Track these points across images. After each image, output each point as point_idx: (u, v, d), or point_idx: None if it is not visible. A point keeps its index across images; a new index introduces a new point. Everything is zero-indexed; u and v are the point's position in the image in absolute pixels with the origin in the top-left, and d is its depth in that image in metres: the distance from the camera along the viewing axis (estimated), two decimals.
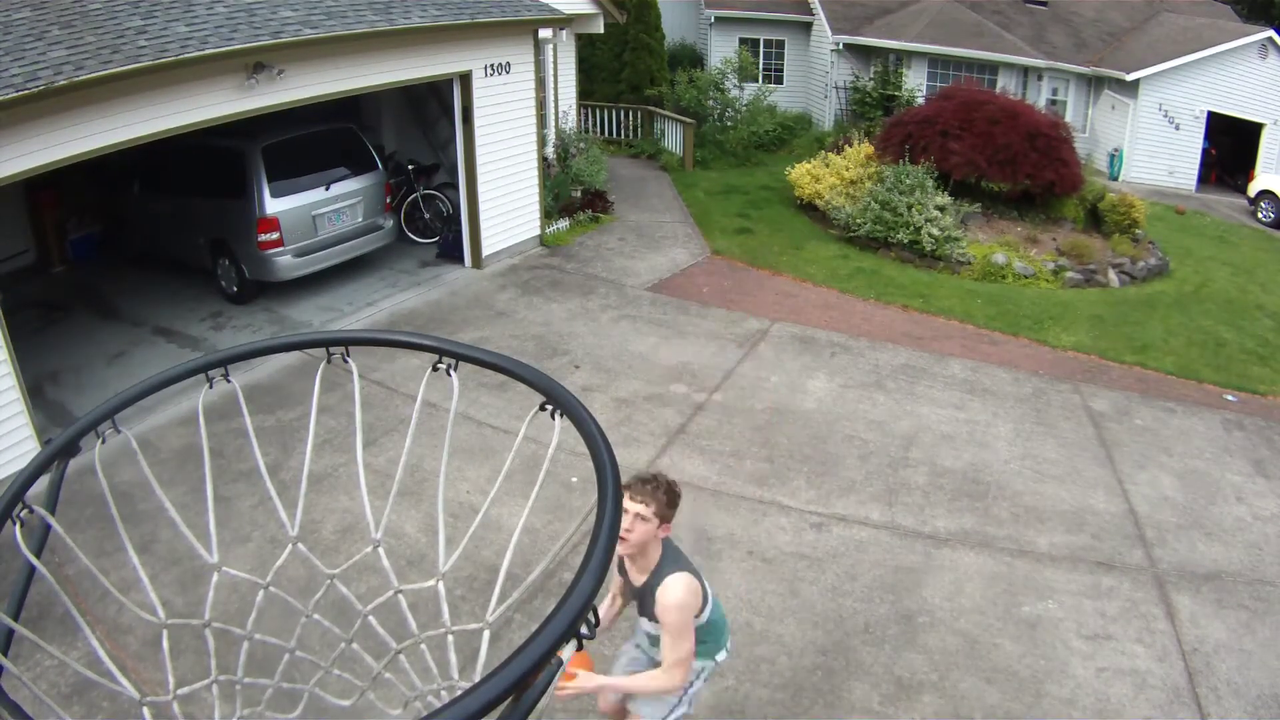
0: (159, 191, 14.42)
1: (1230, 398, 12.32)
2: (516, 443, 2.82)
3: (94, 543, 7.18)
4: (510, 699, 1.66)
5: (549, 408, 2.62)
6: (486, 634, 2.41)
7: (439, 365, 2.93)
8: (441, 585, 2.89)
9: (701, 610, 4.70)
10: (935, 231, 16.84)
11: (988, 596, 7.99)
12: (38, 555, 2.77)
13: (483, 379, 10.53)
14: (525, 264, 16.03)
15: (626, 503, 4.32)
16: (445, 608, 2.70)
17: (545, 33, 16.18)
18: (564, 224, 17.86)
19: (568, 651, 1.76)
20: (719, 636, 5.04)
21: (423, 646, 3.18)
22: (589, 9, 19.57)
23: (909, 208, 17.13)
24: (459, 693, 1.66)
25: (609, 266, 16.04)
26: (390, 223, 15.33)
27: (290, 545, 3.13)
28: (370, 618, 3.19)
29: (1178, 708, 6.86)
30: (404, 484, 8.52)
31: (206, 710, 2.93)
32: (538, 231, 16.85)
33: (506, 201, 15.90)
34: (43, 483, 2.88)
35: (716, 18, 30.82)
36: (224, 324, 13.32)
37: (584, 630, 1.81)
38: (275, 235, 13.13)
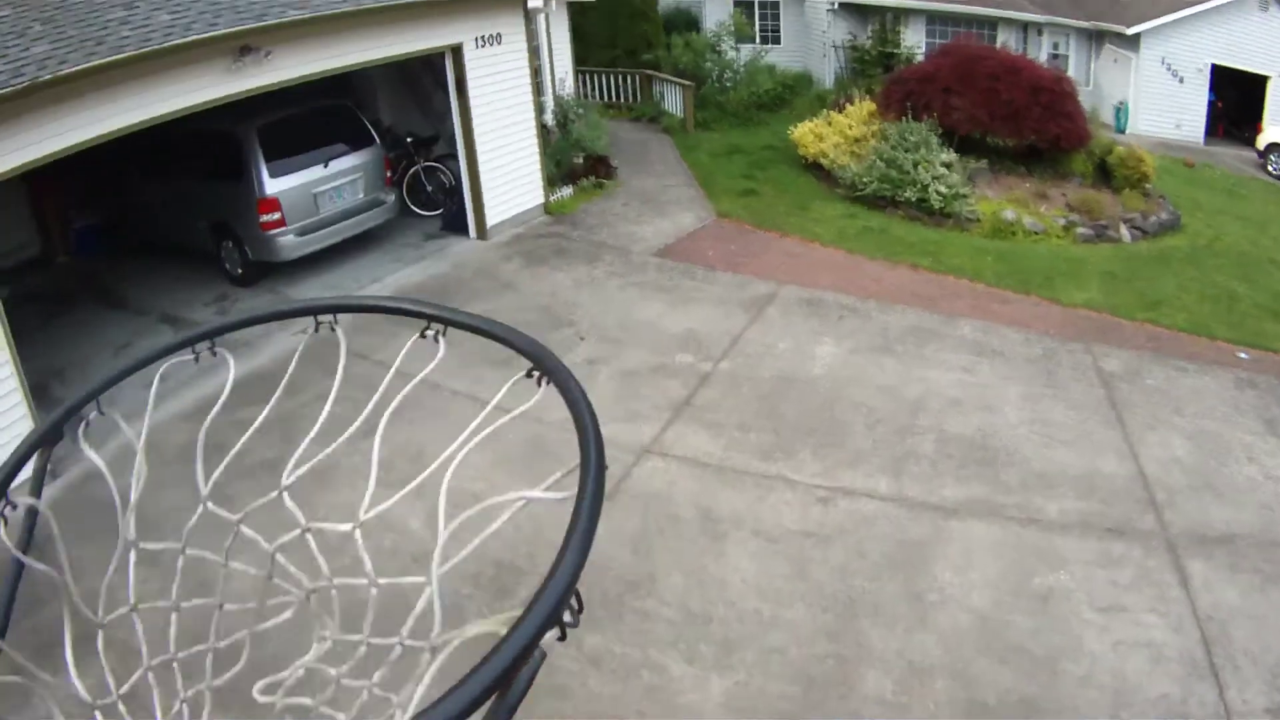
0: (158, 178, 14.40)
1: (1243, 355, 12.17)
2: (486, 411, 2.73)
3: (96, 556, 7.09)
4: (495, 696, 1.58)
5: (535, 374, 2.50)
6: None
7: (426, 333, 2.80)
8: (434, 588, 2.80)
9: None
10: (943, 189, 16.69)
11: (998, 570, 7.90)
12: (24, 550, 2.71)
13: (488, 355, 10.39)
14: (530, 233, 15.93)
15: None
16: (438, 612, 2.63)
17: (535, 2, 16.09)
18: (568, 191, 17.73)
19: (551, 640, 1.67)
20: None
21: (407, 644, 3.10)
22: None
23: (915, 165, 16.98)
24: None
25: (614, 233, 15.93)
26: (392, 197, 15.31)
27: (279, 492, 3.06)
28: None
29: (1195, 681, 6.77)
30: (403, 473, 8.41)
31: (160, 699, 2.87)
32: (541, 200, 16.77)
33: (507, 171, 15.83)
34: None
35: None
36: (230, 308, 13.29)
37: (567, 618, 1.71)
38: (277, 215, 13.13)
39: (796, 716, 6.55)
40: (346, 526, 2.82)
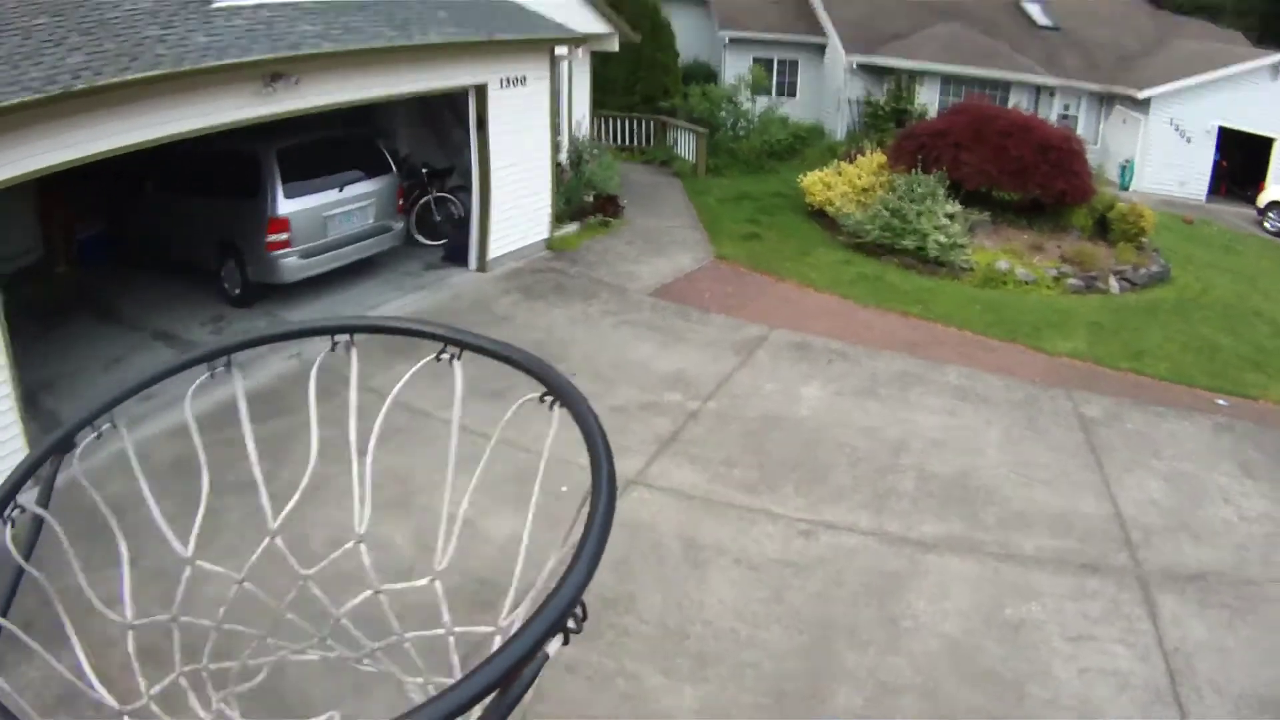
0: (169, 191, 14.52)
1: (1221, 402, 12.38)
2: (498, 432, 2.87)
3: (81, 557, 7.20)
4: (496, 693, 1.69)
5: (547, 399, 2.61)
6: (498, 639, 2.45)
7: (442, 356, 2.91)
8: (439, 585, 2.93)
9: None
10: (941, 238, 16.95)
11: (972, 600, 8.08)
12: (27, 556, 2.79)
13: (476, 387, 10.53)
14: (529, 267, 16.11)
15: None
16: (445, 609, 2.78)
17: (561, 50, 16.35)
18: (573, 227, 17.98)
19: (554, 646, 1.78)
20: None
21: (406, 646, 3.19)
22: (604, 29, 19.74)
23: (918, 215, 17.25)
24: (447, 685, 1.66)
25: (613, 271, 16.13)
26: (400, 224, 15.46)
27: (268, 539, 3.15)
28: (345, 621, 3.20)
29: (1159, 708, 6.93)
30: (393, 494, 8.63)
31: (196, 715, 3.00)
32: (545, 235, 16.99)
33: (519, 205, 16.08)
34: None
35: (731, 39, 31.10)
36: (224, 328, 13.30)
37: (571, 624, 1.82)
38: (284, 236, 13.21)
39: None
40: (421, 583, 2.94)
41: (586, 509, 2.13)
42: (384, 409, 3.02)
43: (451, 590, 7.79)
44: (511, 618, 2.58)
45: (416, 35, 13.04)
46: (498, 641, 2.25)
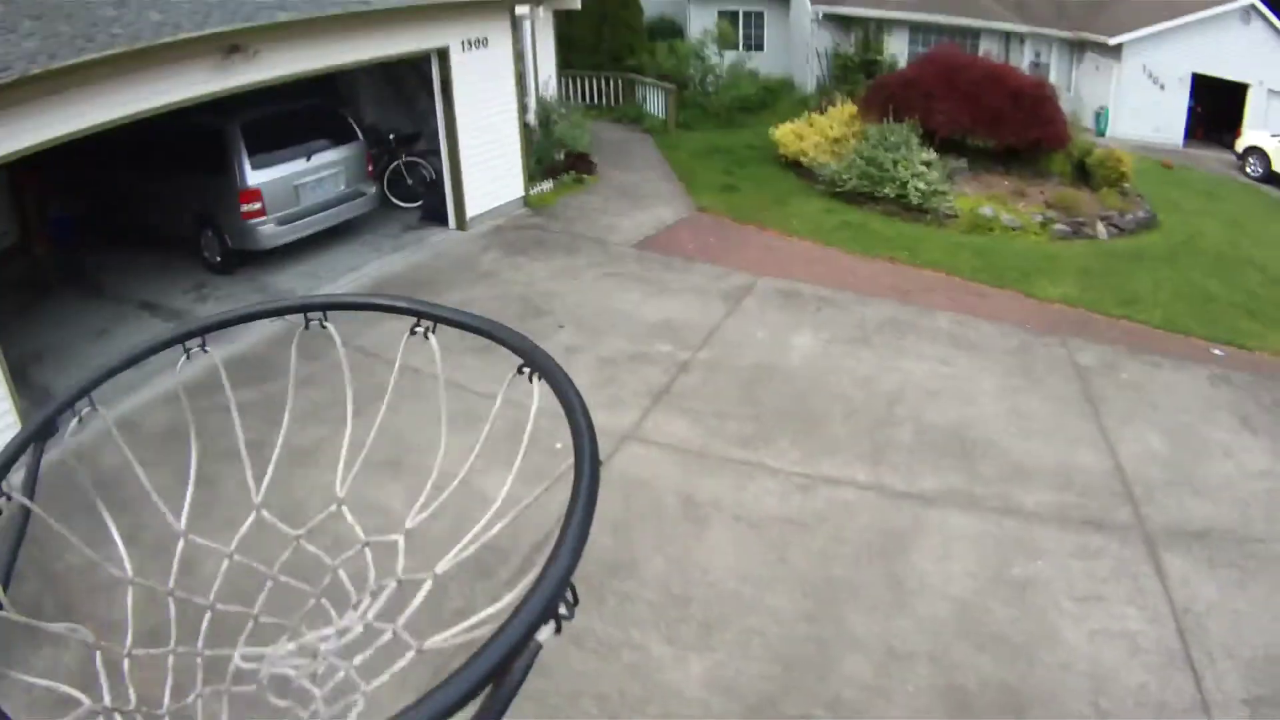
0: (140, 169, 14.39)
1: (1218, 352, 12.24)
2: (494, 410, 2.73)
3: (82, 534, 7.03)
4: (489, 688, 1.58)
5: (525, 370, 2.48)
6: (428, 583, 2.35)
7: (416, 329, 2.80)
8: (401, 540, 2.80)
9: None
10: (922, 185, 16.77)
11: (977, 559, 7.92)
12: (18, 544, 2.70)
13: (466, 342, 10.36)
14: (510, 225, 15.92)
15: None
16: (401, 559, 2.63)
17: (522, 9, 16.14)
18: (548, 185, 17.77)
19: (546, 633, 1.66)
20: None
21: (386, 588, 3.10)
22: None
23: (895, 163, 17.05)
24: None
25: (593, 225, 15.93)
26: (373, 189, 15.42)
27: (254, 512, 3.04)
28: (341, 571, 3.11)
29: (1172, 671, 6.80)
30: (388, 455, 8.44)
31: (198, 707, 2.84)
32: (522, 193, 16.79)
33: (489, 167, 15.91)
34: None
35: None
36: (208, 295, 13.31)
37: (563, 610, 1.70)
38: (258, 205, 13.28)
39: (776, 696, 6.55)
40: (394, 537, 2.82)
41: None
42: (382, 410, 2.84)
43: (447, 550, 7.62)
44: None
45: (375, 0, 12.87)
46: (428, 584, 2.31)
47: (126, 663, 2.77)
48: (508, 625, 1.60)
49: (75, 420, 2.87)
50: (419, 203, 16.57)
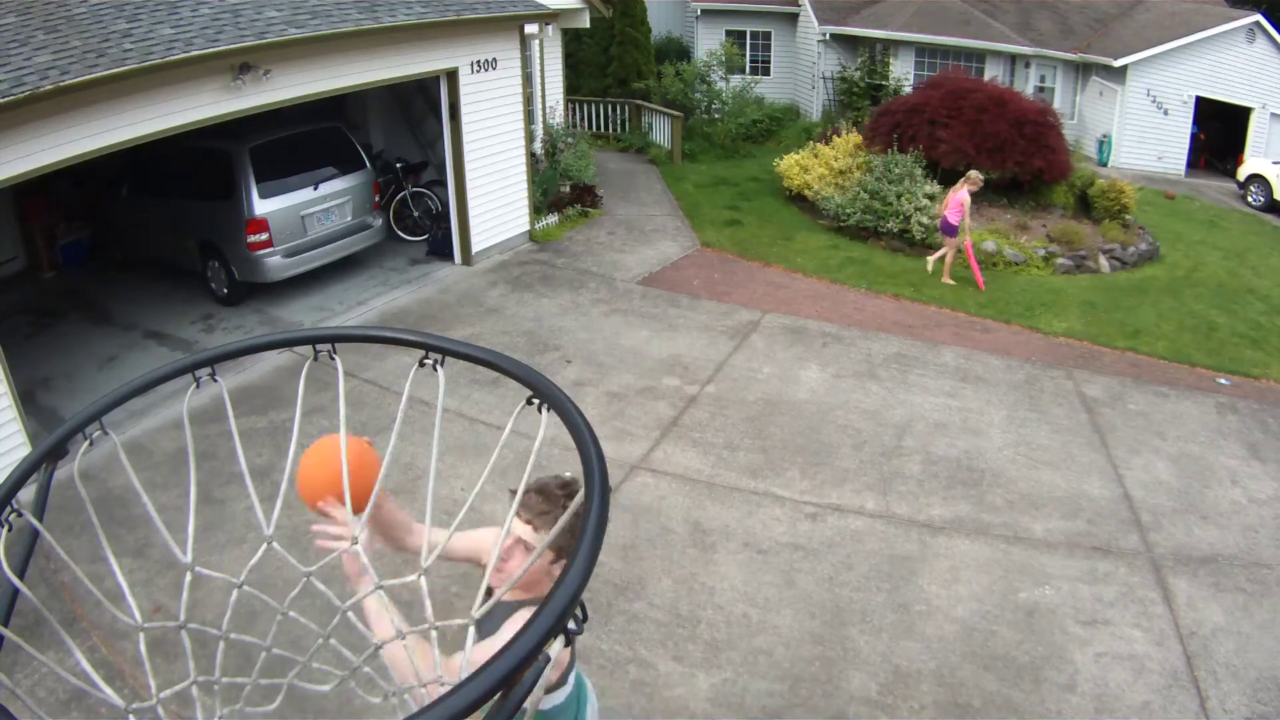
0: (148, 195, 14.37)
1: (1223, 381, 12.32)
2: (503, 438, 2.78)
3: (89, 548, 7.15)
4: (497, 697, 1.63)
5: (535, 402, 2.54)
6: (472, 630, 2.38)
7: (425, 361, 2.84)
8: (424, 581, 2.84)
9: (555, 688, 3.88)
10: (925, 220, 16.84)
11: (984, 584, 7.97)
12: (25, 562, 2.67)
13: (474, 376, 10.52)
14: (515, 260, 15.97)
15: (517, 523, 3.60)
16: (428, 603, 2.67)
17: (531, 28, 16.05)
18: (553, 219, 17.79)
19: (555, 647, 1.72)
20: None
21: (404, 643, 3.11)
22: (575, 4, 19.38)
23: (898, 197, 17.15)
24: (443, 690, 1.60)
25: (599, 261, 15.98)
26: (379, 221, 15.29)
27: (265, 545, 3.08)
28: (351, 614, 3.13)
29: (1176, 691, 6.84)
30: (398, 483, 8.53)
31: (201, 711, 2.87)
32: (527, 227, 16.80)
33: (495, 198, 15.86)
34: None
35: (703, 10, 30.82)
36: (215, 326, 13.28)
37: (572, 625, 1.77)
38: (265, 236, 13.09)
39: (782, 711, 6.59)
40: (413, 578, 2.86)
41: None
42: (393, 440, 2.92)
43: (459, 576, 7.70)
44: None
45: (385, 18, 12.81)
46: (471, 632, 2.29)
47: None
48: (519, 637, 1.65)
49: (86, 443, 2.91)
50: (425, 236, 16.55)
